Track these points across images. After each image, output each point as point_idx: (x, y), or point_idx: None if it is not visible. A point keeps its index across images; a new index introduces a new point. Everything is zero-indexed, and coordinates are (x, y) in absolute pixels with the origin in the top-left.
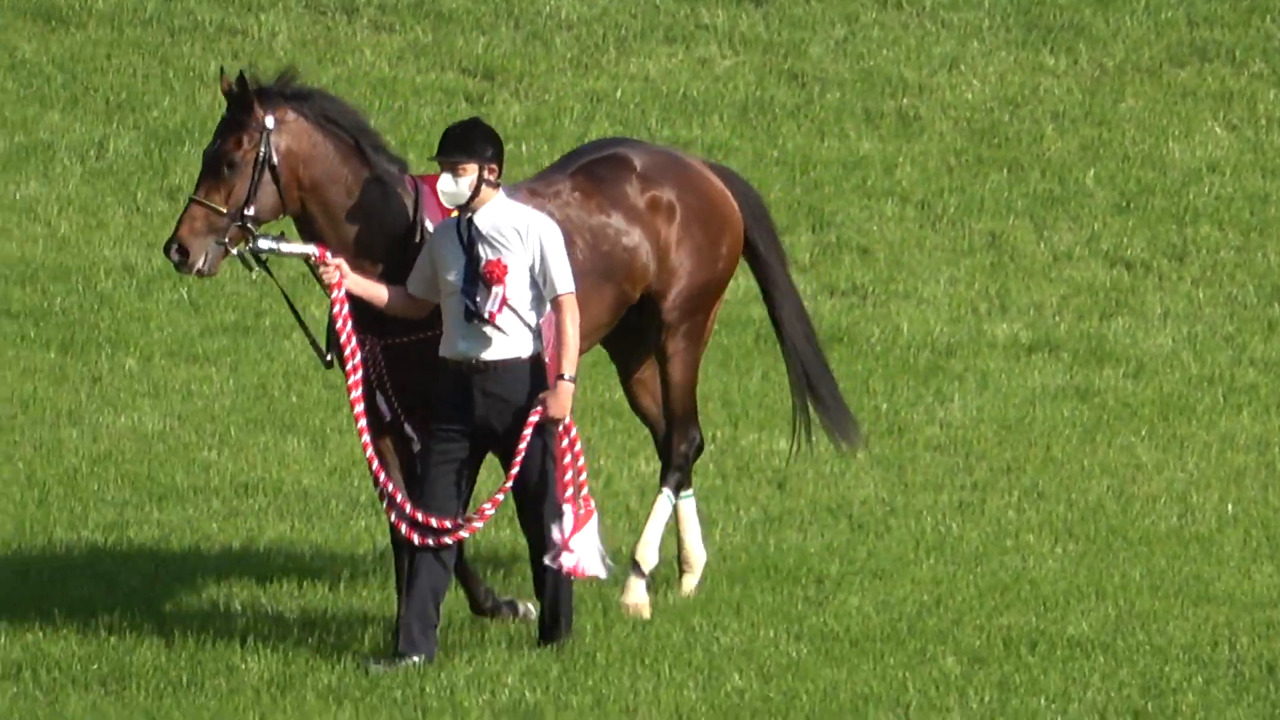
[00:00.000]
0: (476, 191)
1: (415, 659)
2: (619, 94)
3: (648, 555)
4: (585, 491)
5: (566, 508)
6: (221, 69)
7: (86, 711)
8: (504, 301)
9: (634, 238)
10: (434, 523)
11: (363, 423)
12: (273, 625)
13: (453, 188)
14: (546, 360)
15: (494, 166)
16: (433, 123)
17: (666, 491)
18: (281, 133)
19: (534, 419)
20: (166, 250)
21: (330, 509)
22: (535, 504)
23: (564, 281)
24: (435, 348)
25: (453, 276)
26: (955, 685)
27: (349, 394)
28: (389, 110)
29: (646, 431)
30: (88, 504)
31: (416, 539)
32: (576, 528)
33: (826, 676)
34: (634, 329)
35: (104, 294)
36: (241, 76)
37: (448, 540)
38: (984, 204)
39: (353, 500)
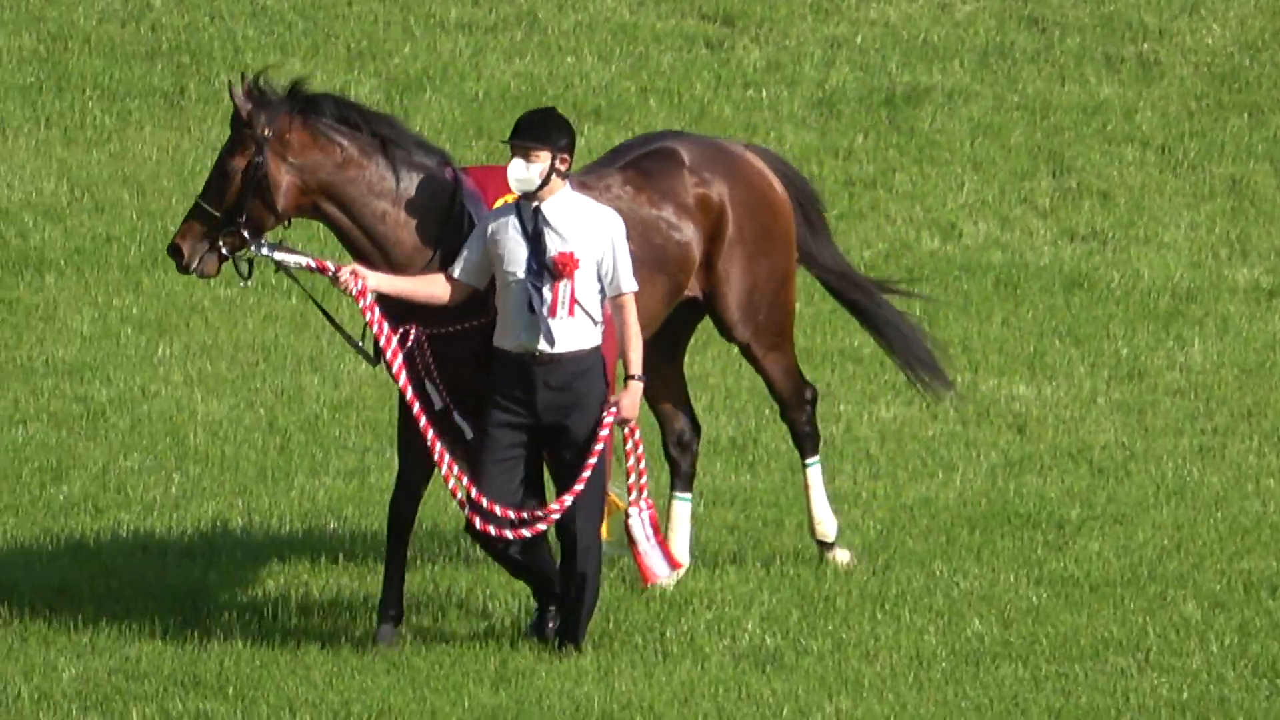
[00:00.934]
0: (547, 180)
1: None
2: (859, 39)
3: (827, 529)
4: (646, 494)
5: (633, 511)
6: (229, 81)
7: (328, 656)
8: (573, 295)
9: (686, 232)
10: (499, 511)
11: (424, 420)
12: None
13: (524, 173)
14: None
15: (566, 156)
16: (672, 69)
17: (810, 461)
18: (281, 142)
19: (609, 419)
20: (168, 248)
21: None
22: (579, 505)
23: (629, 280)
24: (483, 337)
25: (515, 266)
26: (1195, 630)
27: (402, 394)
28: (629, 56)
29: (887, 376)
30: (329, 450)
31: (493, 529)
32: (650, 531)
33: (1066, 621)
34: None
35: None
36: (231, 89)
37: (509, 534)
38: (1224, 149)
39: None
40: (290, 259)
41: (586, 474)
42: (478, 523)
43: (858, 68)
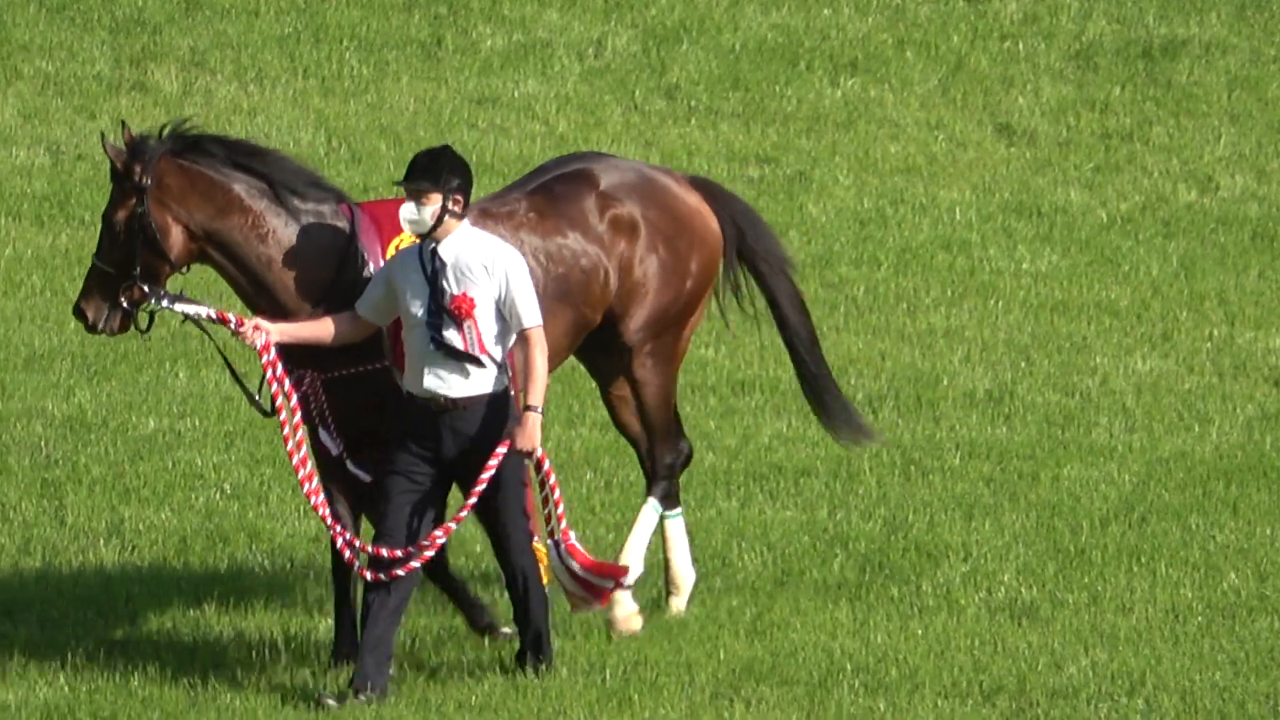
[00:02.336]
0: (439, 221)
1: (364, 696)
2: None
3: (631, 567)
4: (564, 524)
5: (551, 543)
6: (102, 134)
7: None
8: (478, 337)
9: (591, 258)
10: (385, 553)
11: (302, 472)
12: (769, 524)
13: (415, 215)
14: (513, 394)
15: (459, 197)
16: (929, 21)
17: (652, 501)
18: (161, 189)
19: (501, 450)
20: (73, 310)
21: None
22: (508, 536)
23: (531, 315)
24: (380, 380)
25: (417, 308)
26: None
27: (284, 443)
28: (886, 8)
29: (1144, 329)
30: (585, 402)
31: (369, 575)
32: (585, 562)
33: None
34: (611, 344)
35: None
36: (104, 142)
37: (400, 571)
38: None
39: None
40: (190, 309)
41: (472, 501)
42: (368, 575)
43: (1115, 20)
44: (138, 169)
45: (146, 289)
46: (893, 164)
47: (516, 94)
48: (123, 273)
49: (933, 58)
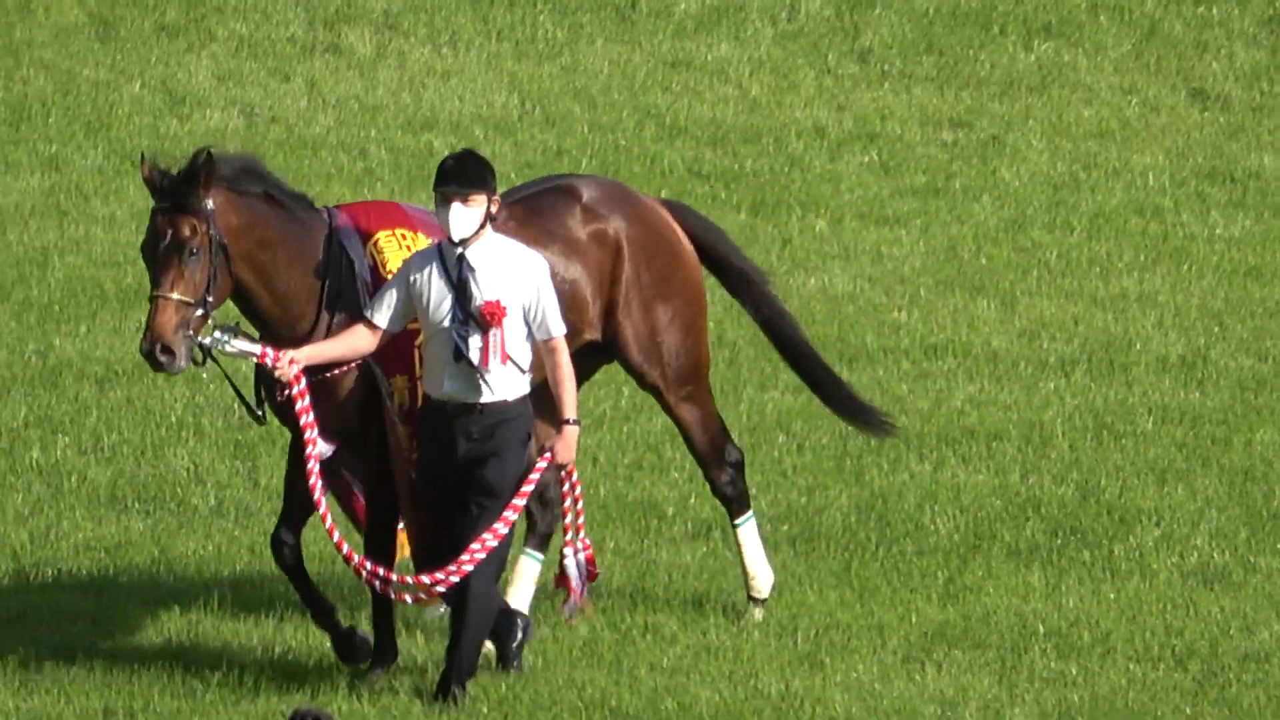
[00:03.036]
0: (481, 225)
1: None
2: None
3: (762, 585)
4: (583, 535)
5: (568, 551)
6: (142, 155)
7: (777, 570)
8: (503, 344)
9: (574, 271)
10: (426, 580)
11: (323, 507)
12: (961, 488)
13: (466, 219)
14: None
15: (497, 198)
16: None
17: (739, 521)
18: (222, 211)
19: (542, 464)
20: (149, 353)
21: (1019, 370)
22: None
23: (558, 324)
24: (360, 377)
25: (439, 314)
26: None
27: (308, 478)
28: None
29: None
30: (778, 365)
31: (408, 598)
32: (586, 575)
33: None
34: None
35: (794, 156)
36: (151, 167)
37: (424, 597)
38: None
39: (1041, 362)
40: (245, 347)
41: (512, 516)
42: (392, 594)
43: None
44: (202, 192)
45: (212, 321)
46: (1086, 128)
47: (709, 57)
48: (198, 301)
49: (1126, 22)
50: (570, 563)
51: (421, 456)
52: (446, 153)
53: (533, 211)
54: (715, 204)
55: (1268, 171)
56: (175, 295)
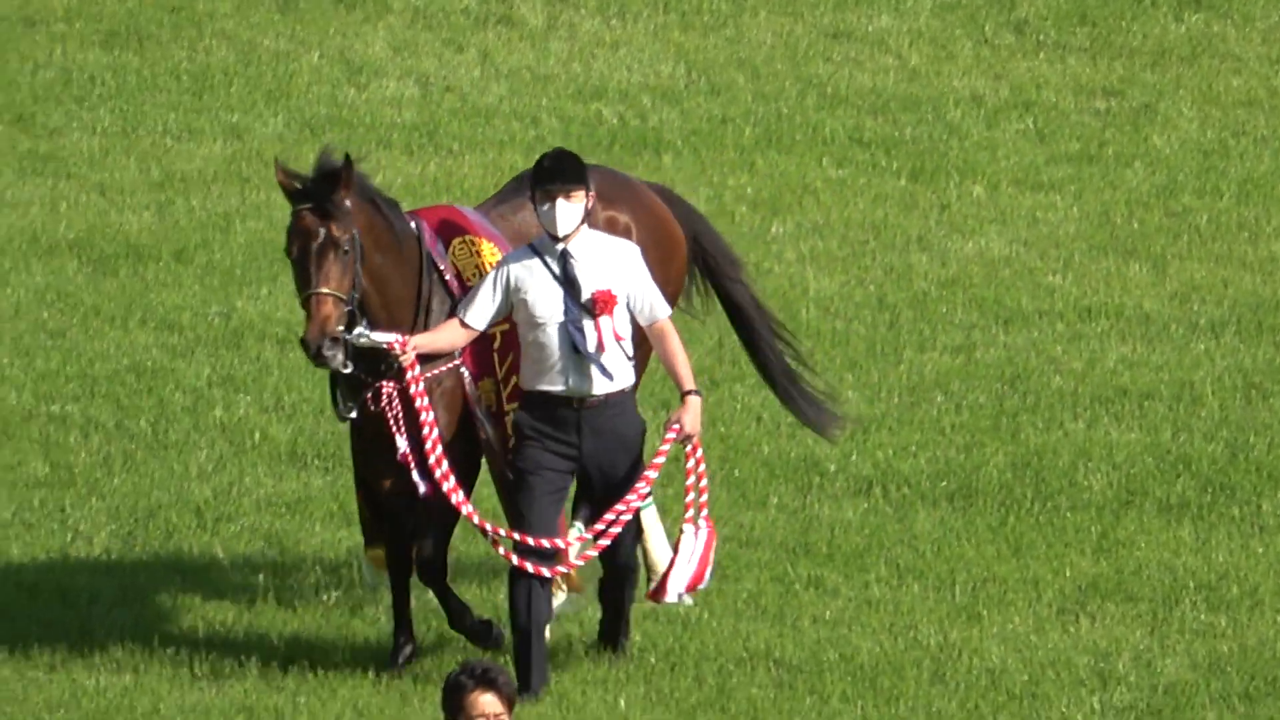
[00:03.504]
0: (582, 220)
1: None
2: None
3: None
4: (705, 512)
5: (688, 528)
6: (275, 160)
7: (935, 526)
8: (615, 332)
9: None
10: (545, 543)
11: (458, 496)
12: (1114, 445)
13: (572, 214)
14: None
15: (594, 194)
16: None
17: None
18: (355, 213)
19: (671, 436)
20: (317, 349)
21: (1170, 332)
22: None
23: (663, 306)
24: (451, 381)
25: (549, 308)
26: None
27: (434, 470)
28: None
29: None
30: (936, 326)
31: (530, 567)
32: (704, 549)
33: None
34: None
35: (952, 124)
36: (290, 174)
37: (561, 568)
38: None
39: (1192, 324)
40: (381, 338)
41: (647, 490)
42: (529, 566)
43: None
44: (343, 193)
45: (356, 312)
46: (1235, 97)
47: (870, 28)
48: (349, 299)
49: None
50: (687, 538)
51: (528, 451)
52: (615, 121)
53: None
54: (876, 170)
55: None
56: (332, 291)
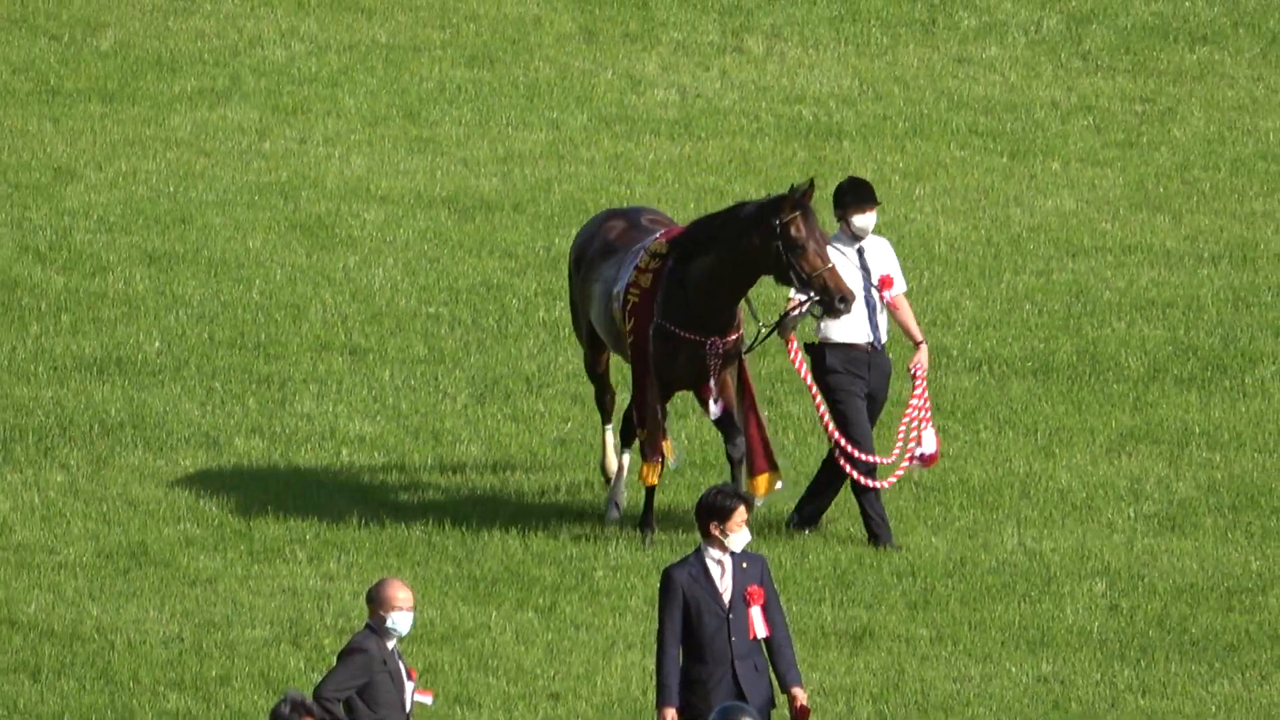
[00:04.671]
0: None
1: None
2: None
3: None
4: (923, 428)
5: (929, 431)
6: (811, 182)
7: (1024, 393)
8: (889, 301)
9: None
10: (874, 459)
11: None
12: None
13: (869, 222)
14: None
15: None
16: None
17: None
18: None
19: (921, 373)
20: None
21: (1184, 262)
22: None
23: (903, 284)
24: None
25: (853, 285)
26: None
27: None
28: None
29: None
30: (1026, 258)
31: (865, 481)
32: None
33: None
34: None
35: (1038, 120)
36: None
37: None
38: None
39: (1199, 257)
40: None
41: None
42: (867, 481)
43: None
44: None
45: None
46: (1229, 104)
47: (983, 55)
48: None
49: None
50: (929, 434)
51: (847, 383)
52: (810, 118)
53: (632, 225)
54: (986, 152)
55: None
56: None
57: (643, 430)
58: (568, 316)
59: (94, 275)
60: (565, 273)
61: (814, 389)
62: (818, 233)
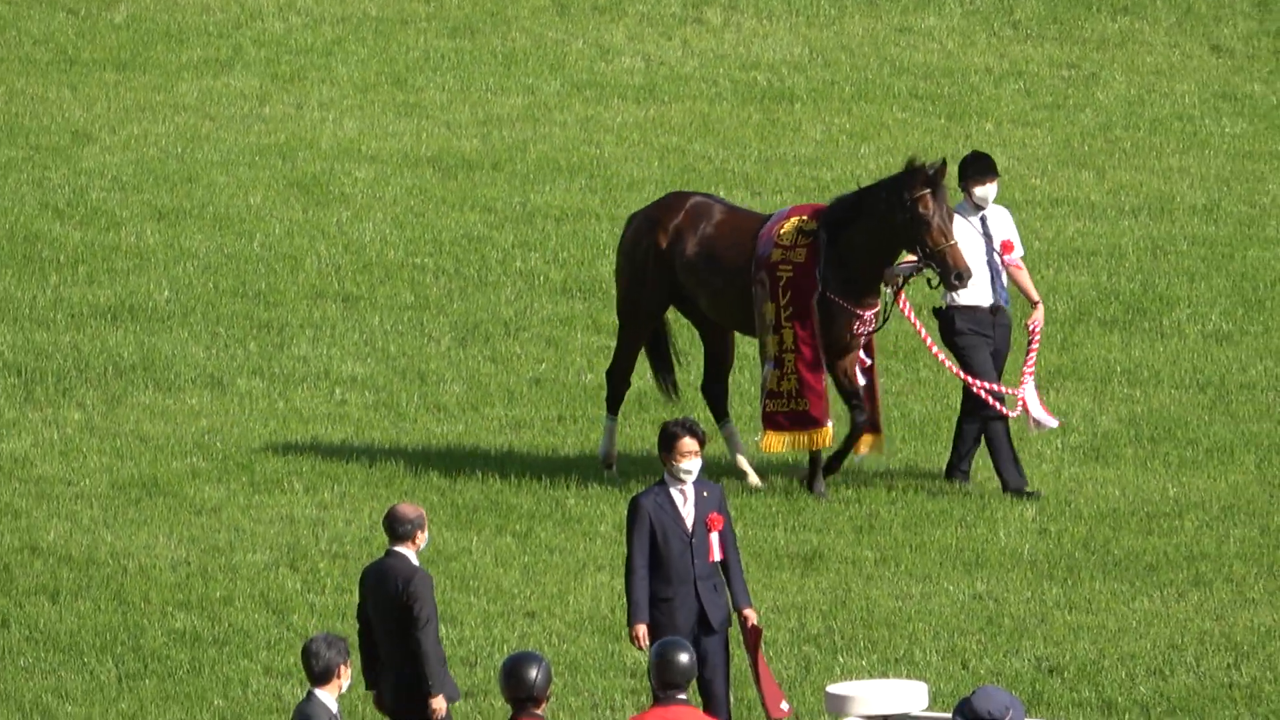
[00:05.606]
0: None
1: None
2: None
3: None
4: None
5: (1029, 388)
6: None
7: None
8: (1011, 265)
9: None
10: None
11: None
12: None
13: (992, 192)
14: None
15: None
16: None
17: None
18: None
19: (1037, 330)
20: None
21: (1107, 214)
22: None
23: (1021, 248)
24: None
25: (978, 255)
26: None
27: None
28: None
29: None
30: None
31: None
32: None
33: None
34: None
35: (973, 85)
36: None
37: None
38: None
39: (1120, 209)
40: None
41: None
42: (1002, 408)
43: None
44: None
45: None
46: (1147, 69)
47: (922, 25)
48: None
49: None
50: (1029, 391)
51: (974, 337)
52: (765, 83)
53: (732, 210)
54: (925, 114)
55: None
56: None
57: (816, 398)
58: (542, 265)
59: (108, 230)
60: (539, 226)
61: (931, 344)
62: (945, 209)
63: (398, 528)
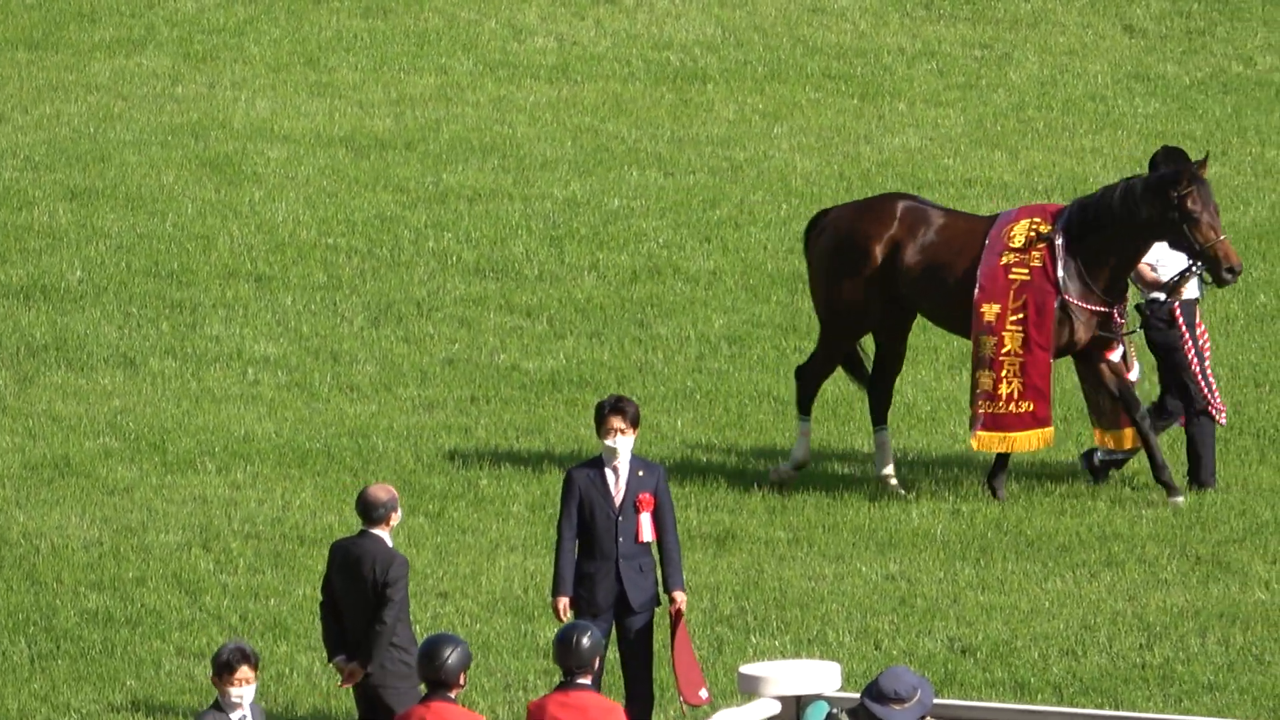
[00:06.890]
0: None
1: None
2: None
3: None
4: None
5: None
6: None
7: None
8: None
9: None
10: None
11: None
12: None
13: None
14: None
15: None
16: None
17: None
18: None
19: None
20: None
21: (1020, 195)
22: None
23: None
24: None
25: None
26: None
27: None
28: None
29: None
30: (876, 190)
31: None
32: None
33: None
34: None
35: (886, 65)
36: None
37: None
38: None
39: (1034, 189)
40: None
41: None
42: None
43: None
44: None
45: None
46: (1060, 50)
47: (835, 5)
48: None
49: None
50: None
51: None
52: (677, 63)
53: (950, 214)
54: (839, 94)
55: None
56: None
57: (1041, 401)
58: (454, 245)
59: (20, 210)
60: (452, 206)
61: (1189, 346)
62: (1212, 205)
63: (371, 512)
